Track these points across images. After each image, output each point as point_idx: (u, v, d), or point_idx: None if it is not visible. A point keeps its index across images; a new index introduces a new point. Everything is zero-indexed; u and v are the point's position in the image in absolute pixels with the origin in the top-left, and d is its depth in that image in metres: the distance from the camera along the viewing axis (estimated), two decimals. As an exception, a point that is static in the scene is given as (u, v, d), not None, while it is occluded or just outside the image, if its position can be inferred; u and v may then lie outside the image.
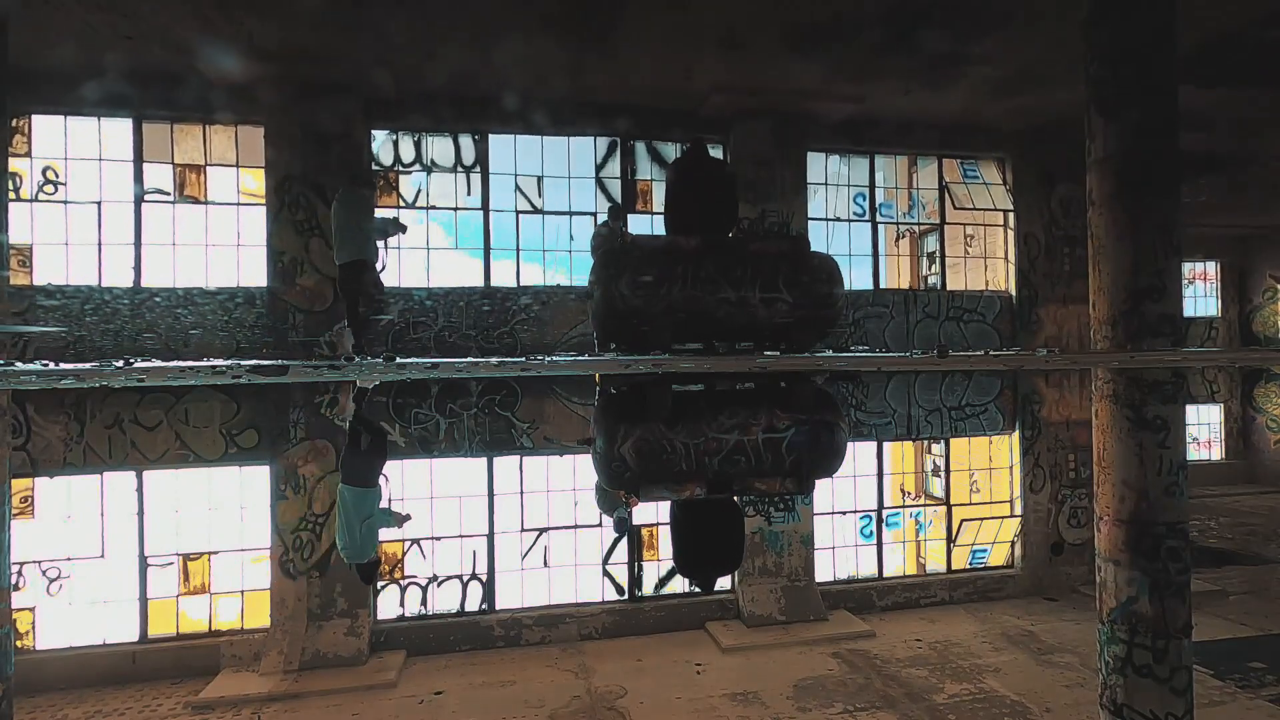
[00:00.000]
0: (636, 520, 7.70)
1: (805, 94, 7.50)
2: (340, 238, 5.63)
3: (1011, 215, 8.99)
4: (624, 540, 7.76)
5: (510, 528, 7.57)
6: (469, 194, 7.61)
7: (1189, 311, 14.51)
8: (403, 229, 6.04)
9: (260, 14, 5.80)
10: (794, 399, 3.34)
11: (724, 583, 7.53)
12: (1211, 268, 15.16)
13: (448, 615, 7.37)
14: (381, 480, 5.12)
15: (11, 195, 6.32)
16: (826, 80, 7.26)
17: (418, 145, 7.55)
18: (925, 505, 9.32)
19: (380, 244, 5.90)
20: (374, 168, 7.40)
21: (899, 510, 9.04)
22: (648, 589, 7.84)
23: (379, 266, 5.93)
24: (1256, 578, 9.12)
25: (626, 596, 7.77)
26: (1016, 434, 8.96)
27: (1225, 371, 14.88)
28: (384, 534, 7.20)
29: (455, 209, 7.60)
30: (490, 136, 7.63)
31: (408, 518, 5.24)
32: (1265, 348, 14.08)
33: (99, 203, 6.90)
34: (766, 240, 5.67)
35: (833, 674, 6.59)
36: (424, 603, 7.37)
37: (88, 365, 2.27)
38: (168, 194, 7.10)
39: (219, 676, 6.53)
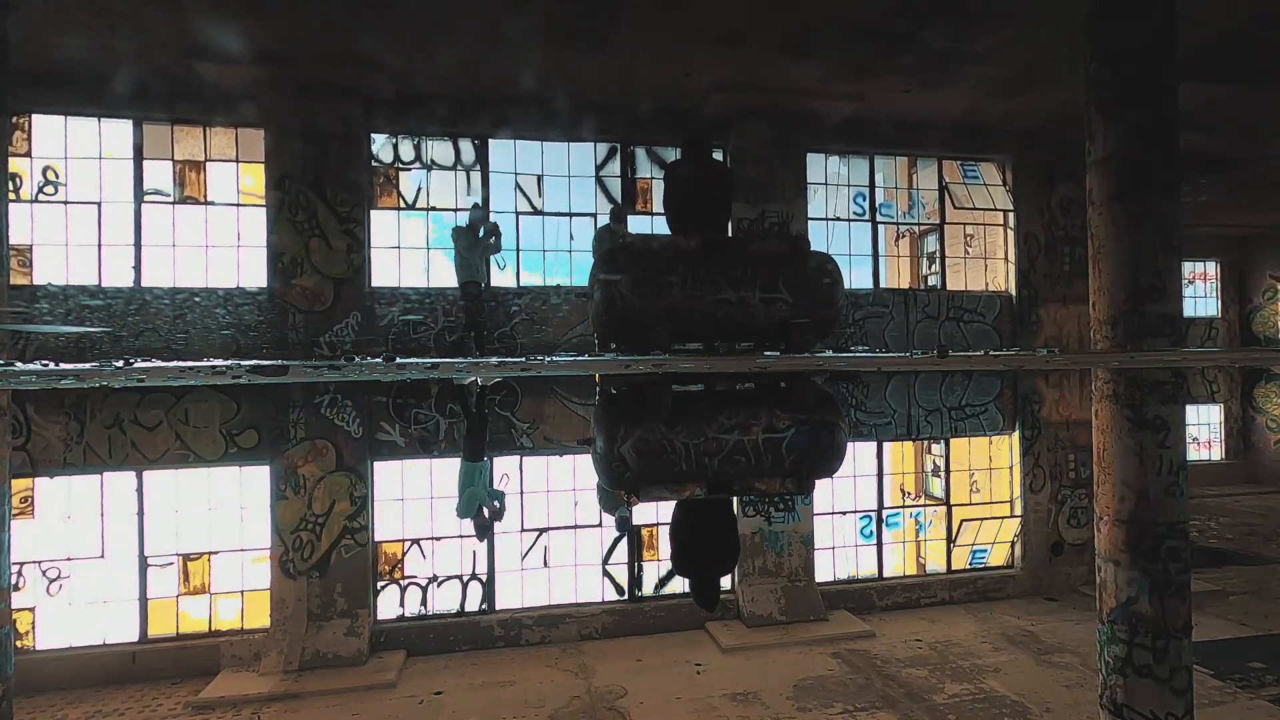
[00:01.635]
0: (636, 520, 7.70)
1: (805, 93, 7.50)
2: (466, 260, 6.70)
3: (1011, 215, 8.99)
4: (624, 540, 7.76)
5: (510, 528, 7.56)
6: (469, 194, 7.62)
7: (1189, 311, 14.51)
8: (499, 233, 7.06)
9: (260, 14, 5.81)
10: (794, 399, 3.33)
11: (724, 583, 7.52)
12: (1211, 268, 15.15)
13: (447, 615, 7.37)
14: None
15: (11, 195, 6.32)
16: (826, 80, 7.26)
17: (417, 146, 7.55)
18: (925, 505, 9.32)
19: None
20: (374, 165, 7.41)
21: (899, 510, 9.03)
22: (648, 589, 7.84)
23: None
24: (1256, 578, 9.12)
25: (626, 596, 7.77)
26: (1016, 434, 8.96)
27: (1225, 371, 14.88)
28: (384, 534, 7.29)
29: (455, 209, 7.60)
30: (490, 137, 7.63)
31: (500, 507, 6.29)
32: (1265, 348, 14.09)
33: (99, 203, 6.90)
34: (767, 240, 5.66)
35: (833, 674, 6.59)
36: (424, 603, 7.36)
37: (87, 365, 2.26)
38: (168, 194, 7.10)
39: (219, 676, 6.53)
